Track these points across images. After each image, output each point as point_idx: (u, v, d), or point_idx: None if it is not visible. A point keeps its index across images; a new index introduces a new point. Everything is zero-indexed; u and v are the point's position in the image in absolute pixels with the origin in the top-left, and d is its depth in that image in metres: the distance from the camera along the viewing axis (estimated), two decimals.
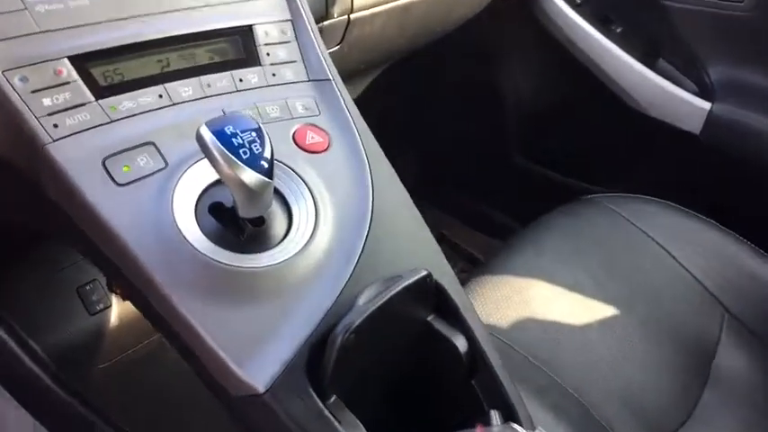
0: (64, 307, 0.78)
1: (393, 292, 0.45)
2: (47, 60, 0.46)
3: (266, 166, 0.43)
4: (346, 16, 0.74)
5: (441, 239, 1.49)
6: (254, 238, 0.48)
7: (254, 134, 0.44)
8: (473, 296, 0.80)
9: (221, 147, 0.42)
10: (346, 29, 0.75)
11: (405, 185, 0.56)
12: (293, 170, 0.52)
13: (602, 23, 1.12)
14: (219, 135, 0.43)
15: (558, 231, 0.94)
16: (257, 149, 0.43)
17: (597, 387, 0.75)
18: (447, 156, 1.49)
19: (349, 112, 0.59)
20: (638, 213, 0.97)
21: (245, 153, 0.43)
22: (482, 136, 1.41)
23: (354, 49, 0.79)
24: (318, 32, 0.62)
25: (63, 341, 0.78)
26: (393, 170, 0.58)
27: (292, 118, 0.56)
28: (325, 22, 0.72)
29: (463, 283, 0.84)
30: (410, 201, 0.57)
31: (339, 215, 0.51)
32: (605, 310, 0.84)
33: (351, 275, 0.48)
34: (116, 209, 0.45)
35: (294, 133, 0.55)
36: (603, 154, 1.26)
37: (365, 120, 0.59)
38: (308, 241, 0.48)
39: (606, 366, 0.78)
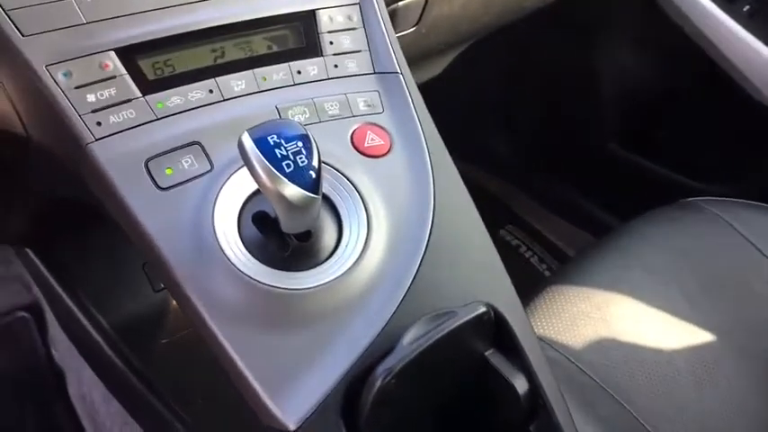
0: (130, 283, 0.80)
1: (442, 333, 0.40)
2: (92, 53, 0.44)
3: (312, 180, 0.39)
4: None
5: (524, 227, 1.40)
6: (299, 253, 0.44)
7: (299, 144, 0.39)
8: (547, 309, 0.73)
9: (262, 158, 0.38)
10: (424, 9, 0.69)
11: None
12: (347, 177, 0.47)
13: (727, 0, 0.97)
14: (261, 144, 0.39)
15: (651, 239, 0.84)
16: (303, 162, 0.39)
17: (677, 424, 0.67)
18: (538, 138, 1.39)
19: (416, 111, 0.53)
20: (749, 223, 0.85)
21: (288, 166, 0.38)
22: (576, 120, 1.29)
23: (433, 30, 0.72)
24: (389, 18, 0.56)
25: (127, 316, 0.79)
26: (460, 179, 0.52)
27: (352, 116, 0.51)
28: (400, 3, 0.66)
29: (542, 288, 0.78)
30: (477, 215, 0.51)
31: (393, 232, 0.46)
32: (698, 336, 0.74)
33: (400, 304, 0.43)
34: (155, 215, 0.43)
35: (353, 134, 0.50)
36: (715, 149, 1.11)
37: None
38: (357, 261, 0.44)
39: (690, 402, 0.69)
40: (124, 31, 0.45)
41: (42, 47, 0.43)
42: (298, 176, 0.39)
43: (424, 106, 0.54)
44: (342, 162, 0.48)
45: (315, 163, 0.39)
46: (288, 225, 0.42)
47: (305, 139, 0.40)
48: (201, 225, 0.43)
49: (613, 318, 0.73)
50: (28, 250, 0.76)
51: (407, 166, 0.50)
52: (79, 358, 0.94)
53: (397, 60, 0.54)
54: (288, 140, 0.39)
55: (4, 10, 0.42)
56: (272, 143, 0.39)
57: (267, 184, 0.38)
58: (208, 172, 0.45)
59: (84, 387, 0.95)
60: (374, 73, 0.54)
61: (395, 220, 0.47)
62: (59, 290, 0.78)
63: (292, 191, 0.38)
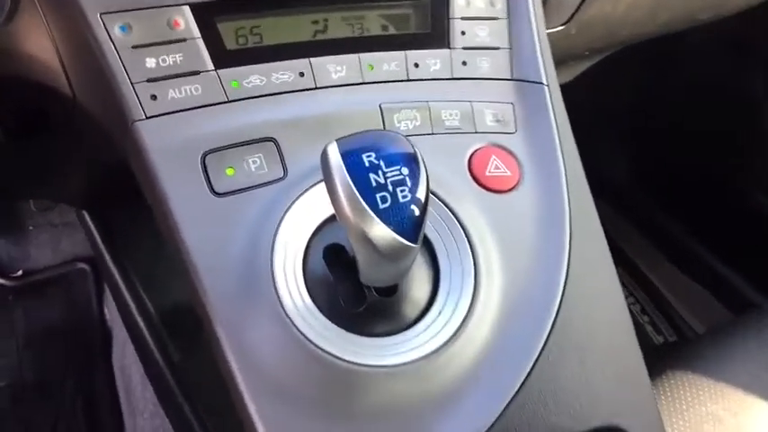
0: (179, 266, 0.72)
1: None
2: (161, 6, 0.34)
3: (412, 223, 0.28)
4: None
5: (633, 272, 1.18)
6: (378, 309, 0.32)
7: (404, 171, 0.28)
8: (667, 401, 0.59)
9: (349, 182, 0.27)
10: (581, 4, 0.55)
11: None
12: (455, 215, 0.35)
13: None
14: (352, 163, 0.27)
15: None
16: (404, 197, 0.27)
17: None
18: (664, 169, 1.19)
19: (559, 138, 0.40)
20: None
21: (383, 199, 0.27)
22: (717, 154, 1.09)
23: (584, 32, 0.59)
24: (542, 9, 0.43)
25: (172, 301, 0.72)
26: (603, 236, 0.39)
27: (475, 132, 0.39)
28: None
29: (660, 370, 0.62)
30: (620, 292, 0.38)
31: (509, 299, 0.34)
32: None
33: (505, 408, 0.31)
34: (202, 227, 0.33)
35: (472, 156, 0.39)
36: None
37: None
38: (454, 335, 0.32)
39: None
40: None
41: None
42: (394, 216, 0.27)
43: (569, 132, 0.41)
44: (452, 193, 0.36)
45: (421, 197, 0.28)
46: (368, 275, 0.31)
47: (412, 162, 0.28)
48: (257, 252, 0.32)
49: (751, 429, 0.57)
50: (84, 213, 0.70)
51: (538, 210, 0.38)
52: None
53: (545, 67, 0.41)
54: (389, 163, 0.28)
55: None
56: (366, 164, 0.27)
57: (350, 218, 0.27)
58: (279, 180, 0.35)
59: (126, 360, 0.91)
60: (512, 79, 0.41)
61: (512, 282, 0.35)
62: (110, 262, 0.71)
63: (383, 233, 0.27)
